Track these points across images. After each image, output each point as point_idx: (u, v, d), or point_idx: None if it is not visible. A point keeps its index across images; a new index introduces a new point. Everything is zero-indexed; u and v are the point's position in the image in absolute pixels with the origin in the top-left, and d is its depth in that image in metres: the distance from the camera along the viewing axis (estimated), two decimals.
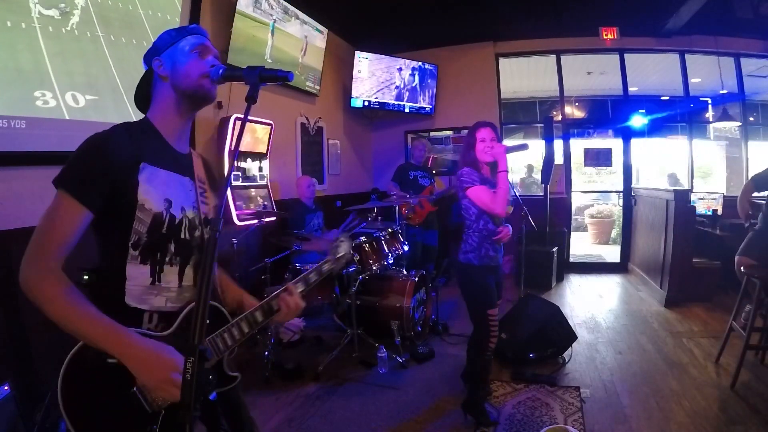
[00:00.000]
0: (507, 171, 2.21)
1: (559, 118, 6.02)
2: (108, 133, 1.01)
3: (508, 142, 2.37)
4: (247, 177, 3.78)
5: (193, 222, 1.10)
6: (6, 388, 1.76)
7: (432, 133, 6.24)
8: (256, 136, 3.82)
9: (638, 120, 5.78)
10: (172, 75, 1.07)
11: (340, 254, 1.38)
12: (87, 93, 2.49)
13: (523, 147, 2.44)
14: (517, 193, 2.41)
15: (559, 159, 5.79)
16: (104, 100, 2.57)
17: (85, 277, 1.01)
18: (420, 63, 5.86)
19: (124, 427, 0.93)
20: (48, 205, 0.95)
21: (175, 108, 1.10)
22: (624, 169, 5.90)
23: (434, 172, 5.27)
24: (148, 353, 0.90)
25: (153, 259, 1.02)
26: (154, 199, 1.01)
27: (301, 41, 4.34)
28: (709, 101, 5.88)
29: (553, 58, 5.90)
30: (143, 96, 1.14)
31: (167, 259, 1.04)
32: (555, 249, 5.13)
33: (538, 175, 6.55)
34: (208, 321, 0.92)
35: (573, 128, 6.25)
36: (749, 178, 3.47)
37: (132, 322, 0.96)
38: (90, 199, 0.94)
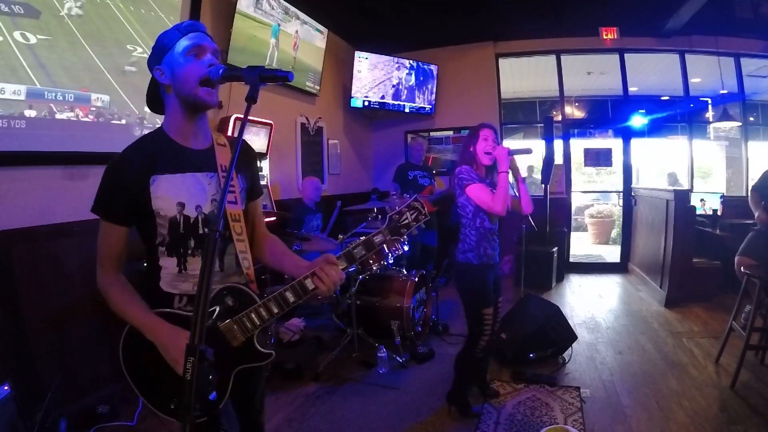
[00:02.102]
0: (507, 172, 2.24)
1: (559, 118, 6.02)
2: (119, 157, 1.13)
3: (510, 144, 2.40)
4: None
5: (212, 215, 1.18)
6: (6, 388, 1.76)
7: (432, 133, 6.24)
8: (256, 136, 3.82)
9: (638, 120, 5.78)
10: (173, 83, 1.11)
11: (404, 222, 1.18)
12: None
13: (527, 151, 2.49)
14: (516, 194, 2.44)
15: (559, 159, 5.79)
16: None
17: (144, 265, 1.24)
18: (420, 63, 5.86)
19: (166, 382, 1.11)
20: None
21: (182, 114, 1.15)
22: (624, 169, 5.89)
23: (434, 171, 5.27)
24: (171, 341, 1.07)
25: (178, 253, 1.16)
26: (167, 206, 1.13)
27: (294, 37, 4.33)
28: (709, 101, 5.88)
29: (553, 58, 5.89)
30: (153, 98, 1.21)
31: (190, 252, 1.17)
32: (555, 249, 5.13)
33: (538, 175, 6.55)
34: (233, 303, 1.15)
35: (573, 128, 6.26)
36: (750, 189, 3.46)
37: (166, 303, 1.16)
38: (118, 218, 1.13)
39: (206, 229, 1.16)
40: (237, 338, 1.14)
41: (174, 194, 1.13)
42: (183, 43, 1.10)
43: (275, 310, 1.14)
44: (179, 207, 1.13)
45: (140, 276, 1.21)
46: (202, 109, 1.17)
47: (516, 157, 2.34)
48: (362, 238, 1.19)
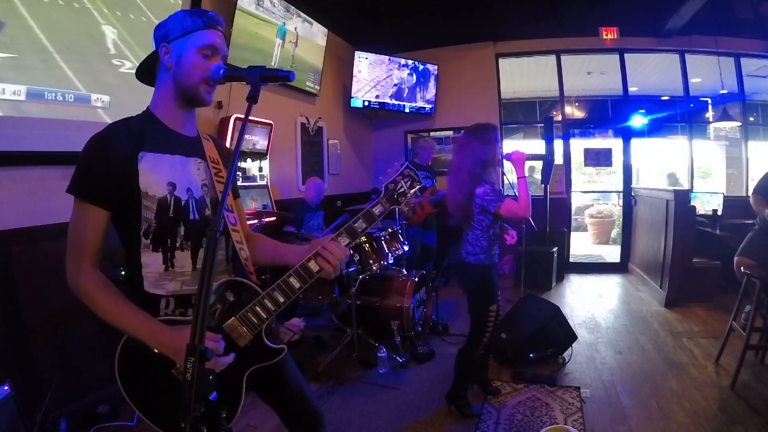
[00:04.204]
0: (525, 177, 2.30)
1: (559, 118, 6.02)
2: (103, 132, 1.06)
3: (514, 145, 2.42)
4: (247, 177, 3.77)
5: (202, 201, 1.13)
6: (6, 388, 1.76)
7: (432, 133, 6.23)
8: (256, 136, 3.82)
9: (638, 120, 5.77)
10: (175, 68, 1.08)
11: (400, 190, 1.18)
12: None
13: (543, 157, 2.52)
14: (517, 193, 2.45)
15: (559, 159, 5.80)
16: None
17: (123, 273, 1.11)
18: (420, 63, 5.86)
19: (169, 399, 1.00)
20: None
21: (173, 99, 1.11)
22: (624, 169, 5.89)
23: (435, 172, 5.27)
24: (183, 342, 0.93)
25: (164, 246, 1.06)
26: (157, 185, 1.05)
27: (294, 34, 4.33)
28: (709, 101, 5.88)
29: (553, 58, 5.89)
30: (146, 71, 1.16)
31: (178, 244, 1.08)
32: (555, 249, 5.12)
33: (538, 175, 6.55)
34: (233, 299, 1.08)
35: (573, 128, 6.25)
36: (752, 192, 3.44)
37: (150, 308, 1.03)
38: (100, 199, 1.01)
39: (197, 215, 1.11)
40: (244, 337, 1.06)
41: (164, 174, 1.06)
42: (201, 37, 1.07)
43: (281, 300, 1.08)
44: (170, 187, 1.06)
45: (118, 285, 1.07)
46: (197, 105, 1.14)
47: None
48: (360, 213, 1.16)
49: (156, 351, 0.98)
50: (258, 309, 1.08)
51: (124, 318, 0.99)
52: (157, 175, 1.05)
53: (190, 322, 1.00)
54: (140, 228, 1.04)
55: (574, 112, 7.12)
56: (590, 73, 6.65)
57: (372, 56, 5.54)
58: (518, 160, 2.31)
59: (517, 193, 2.40)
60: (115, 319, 0.99)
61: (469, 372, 2.48)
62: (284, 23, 4.05)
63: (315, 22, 4.56)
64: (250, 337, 1.07)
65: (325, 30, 4.76)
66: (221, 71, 1.07)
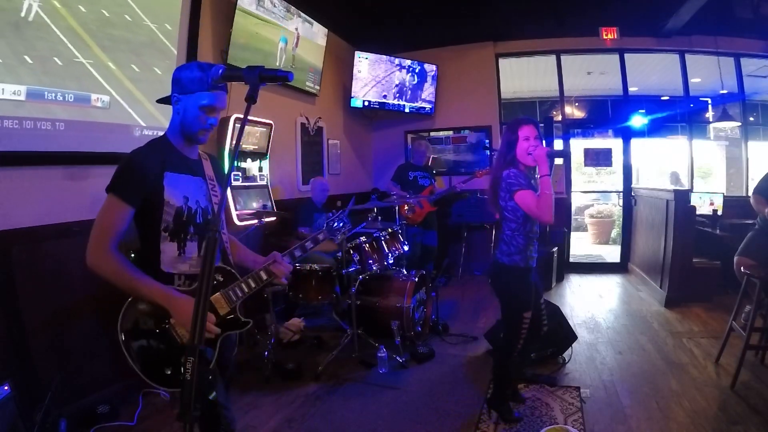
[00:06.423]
0: (549, 175, 2.10)
1: (559, 118, 6.02)
2: (142, 150, 1.36)
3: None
4: (247, 177, 3.77)
5: (206, 210, 1.46)
6: (6, 388, 1.76)
7: (432, 133, 6.23)
8: (256, 136, 3.82)
9: (638, 120, 5.77)
10: (182, 116, 1.38)
11: (335, 227, 1.70)
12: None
13: (563, 154, 2.38)
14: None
15: (559, 159, 5.78)
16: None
17: (132, 255, 1.48)
18: (420, 63, 5.86)
19: (165, 354, 1.29)
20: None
21: (180, 135, 1.43)
22: (624, 169, 5.89)
23: (434, 171, 5.27)
24: (186, 304, 1.26)
25: (178, 238, 1.38)
26: (176, 197, 1.37)
27: (295, 34, 4.33)
28: (709, 101, 5.87)
29: (553, 58, 5.89)
30: (165, 101, 1.49)
31: (188, 237, 1.40)
32: (555, 249, 5.12)
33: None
34: (222, 279, 1.41)
35: (573, 128, 6.25)
36: (752, 192, 3.45)
37: (167, 282, 1.34)
38: (132, 199, 1.30)
39: (201, 219, 1.42)
40: (223, 307, 1.38)
41: (180, 189, 1.39)
42: (204, 98, 1.34)
43: (252, 285, 1.44)
44: (184, 199, 1.39)
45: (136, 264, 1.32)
46: (195, 144, 1.47)
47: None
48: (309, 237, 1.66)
49: (154, 310, 1.28)
50: (236, 289, 1.41)
51: (140, 282, 1.26)
52: (176, 190, 1.37)
53: (191, 291, 1.33)
54: (161, 226, 1.35)
55: (574, 112, 7.13)
56: (590, 73, 6.65)
57: (372, 56, 5.54)
58: (539, 157, 2.13)
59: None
60: (135, 285, 1.26)
61: (508, 378, 2.40)
62: (284, 34, 4.03)
63: (315, 22, 4.57)
64: (227, 309, 1.39)
65: (325, 30, 4.76)
66: (220, 71, 1.09)
